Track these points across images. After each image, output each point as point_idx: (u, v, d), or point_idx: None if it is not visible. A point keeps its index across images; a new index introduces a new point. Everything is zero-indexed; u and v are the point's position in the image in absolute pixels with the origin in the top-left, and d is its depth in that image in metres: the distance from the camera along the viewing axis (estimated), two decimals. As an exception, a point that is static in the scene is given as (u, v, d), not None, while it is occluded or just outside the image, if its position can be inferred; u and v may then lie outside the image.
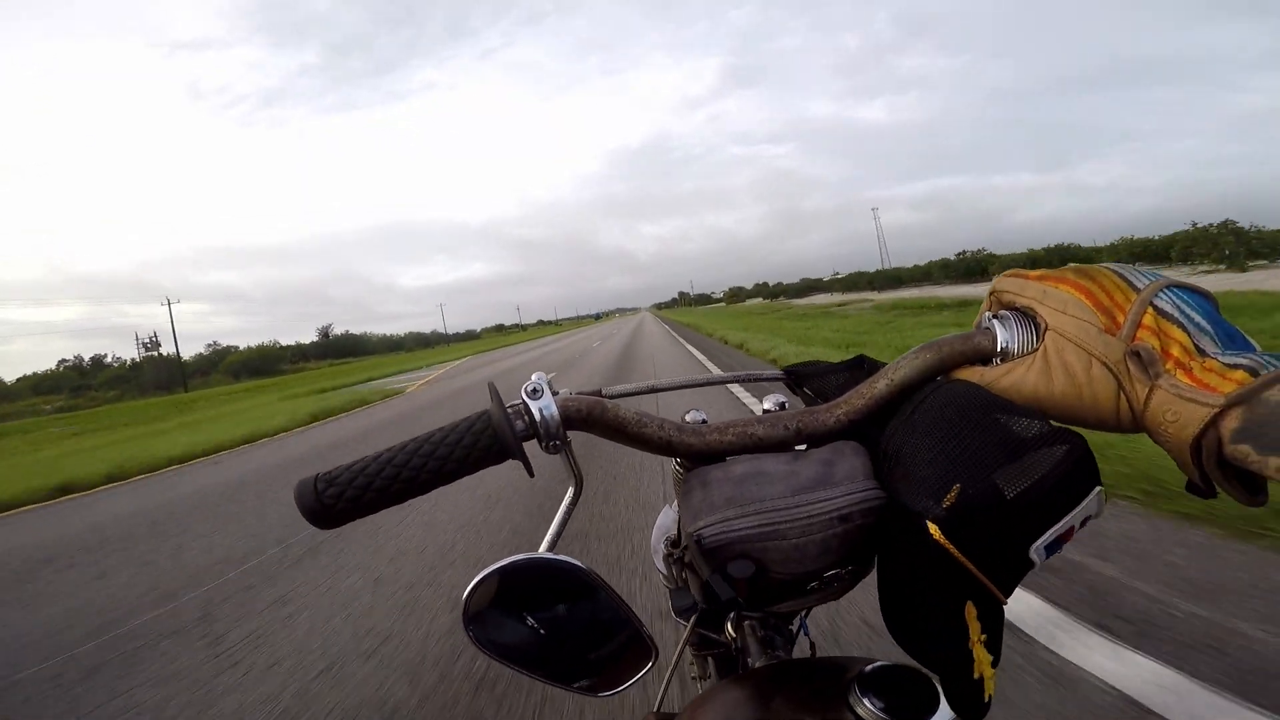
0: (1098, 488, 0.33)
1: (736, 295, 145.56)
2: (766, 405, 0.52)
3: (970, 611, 0.33)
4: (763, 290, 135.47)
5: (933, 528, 0.32)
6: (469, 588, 0.36)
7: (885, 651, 0.40)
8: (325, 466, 0.39)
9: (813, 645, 0.66)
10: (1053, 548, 0.33)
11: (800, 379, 0.54)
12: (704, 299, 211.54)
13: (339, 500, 0.36)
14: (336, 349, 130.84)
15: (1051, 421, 0.35)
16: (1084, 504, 0.33)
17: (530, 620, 0.38)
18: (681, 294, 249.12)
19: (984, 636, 0.33)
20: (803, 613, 0.65)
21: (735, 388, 5.32)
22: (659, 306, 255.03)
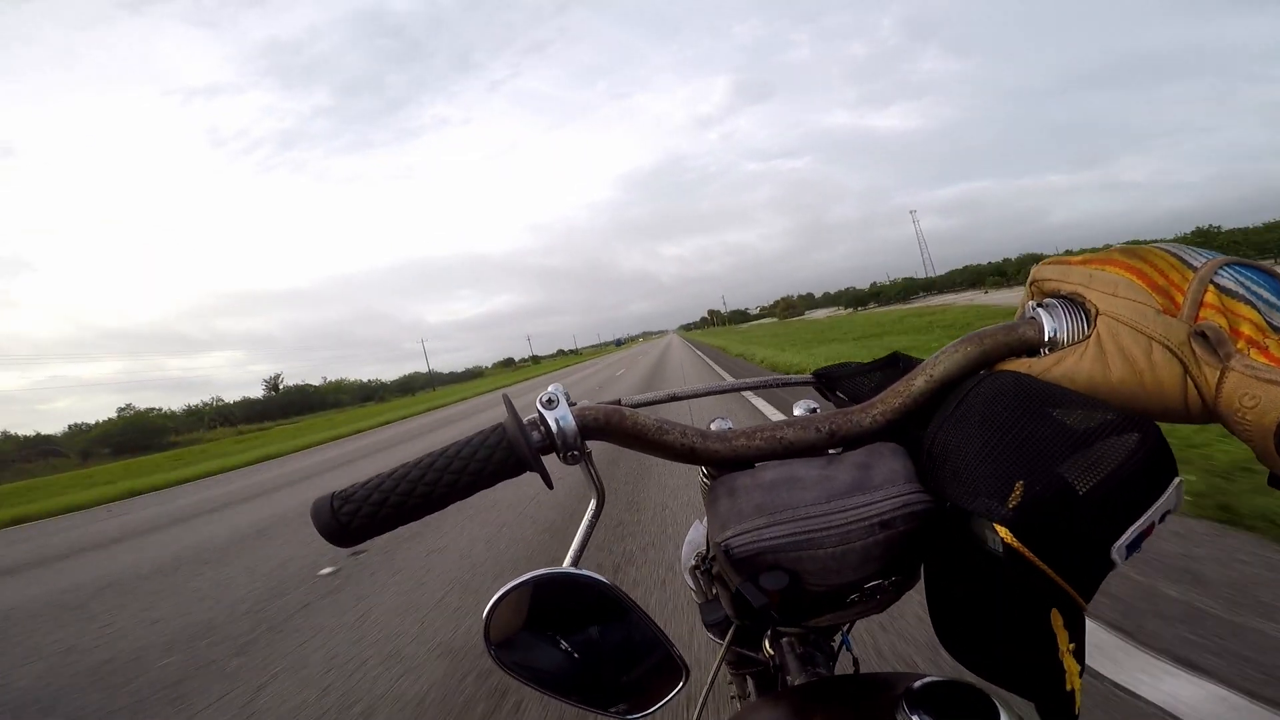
0: (1176, 479, 0.31)
1: (791, 308, 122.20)
2: (797, 412, 0.49)
3: (1056, 619, 0.30)
4: (841, 298, 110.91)
5: (1002, 531, 0.29)
6: (490, 603, 0.35)
7: (942, 668, 0.37)
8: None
9: (856, 661, 0.63)
10: (1134, 546, 0.31)
11: (831, 382, 0.51)
12: (740, 316, 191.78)
13: (355, 518, 0.36)
14: (281, 407, 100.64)
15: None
16: (1164, 497, 0.31)
17: (559, 640, 0.37)
18: (712, 312, 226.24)
19: (1072, 645, 0.31)
20: (844, 627, 0.62)
21: (760, 403, 5.24)
22: (686, 328, 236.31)
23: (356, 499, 0.36)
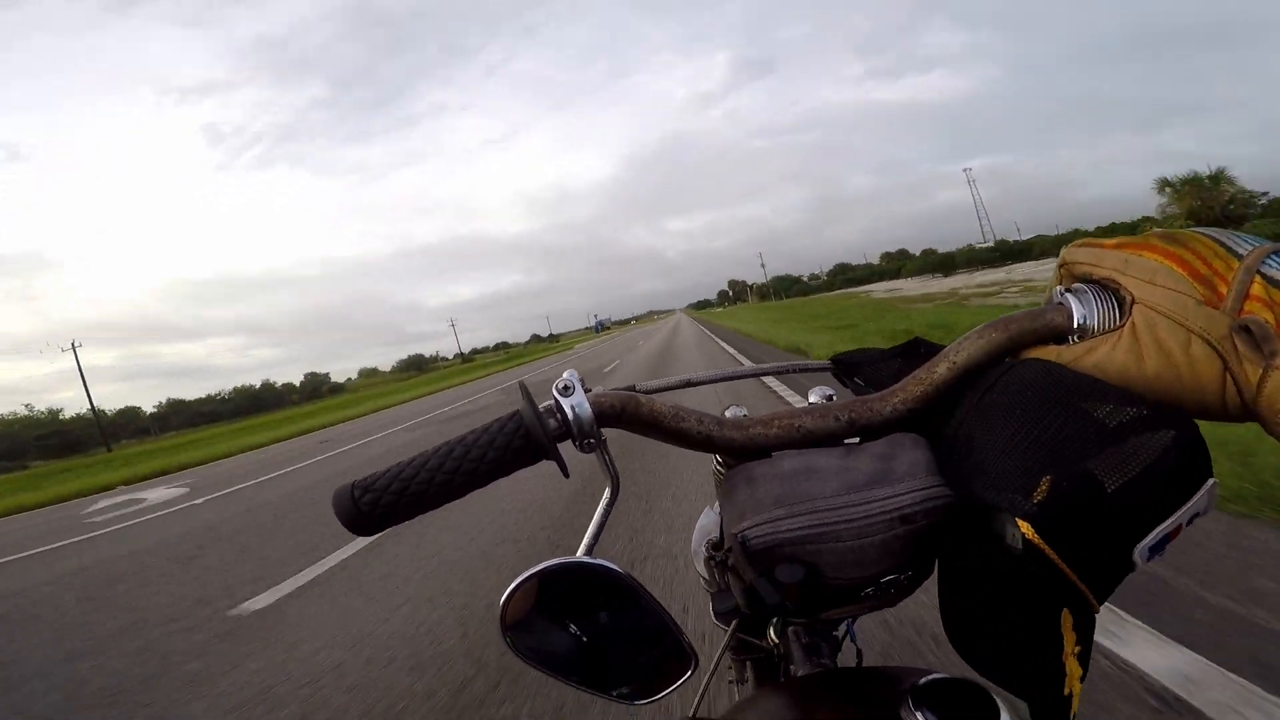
0: (1210, 480, 0.30)
1: (849, 277, 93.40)
2: (813, 399, 0.48)
3: (1065, 621, 0.30)
4: (917, 264, 78.42)
5: (1024, 526, 0.28)
6: (506, 593, 0.35)
7: (942, 662, 0.36)
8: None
9: (859, 653, 0.63)
10: (1157, 548, 0.30)
11: (849, 368, 0.50)
12: (789, 284, 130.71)
13: (376, 507, 0.36)
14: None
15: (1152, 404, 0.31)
16: (1195, 499, 0.29)
17: (571, 627, 0.37)
18: (737, 284, 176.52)
19: (1078, 648, 0.30)
20: (849, 618, 0.62)
21: (781, 389, 5.20)
22: (696, 306, 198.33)
23: (377, 488, 0.37)
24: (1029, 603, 0.30)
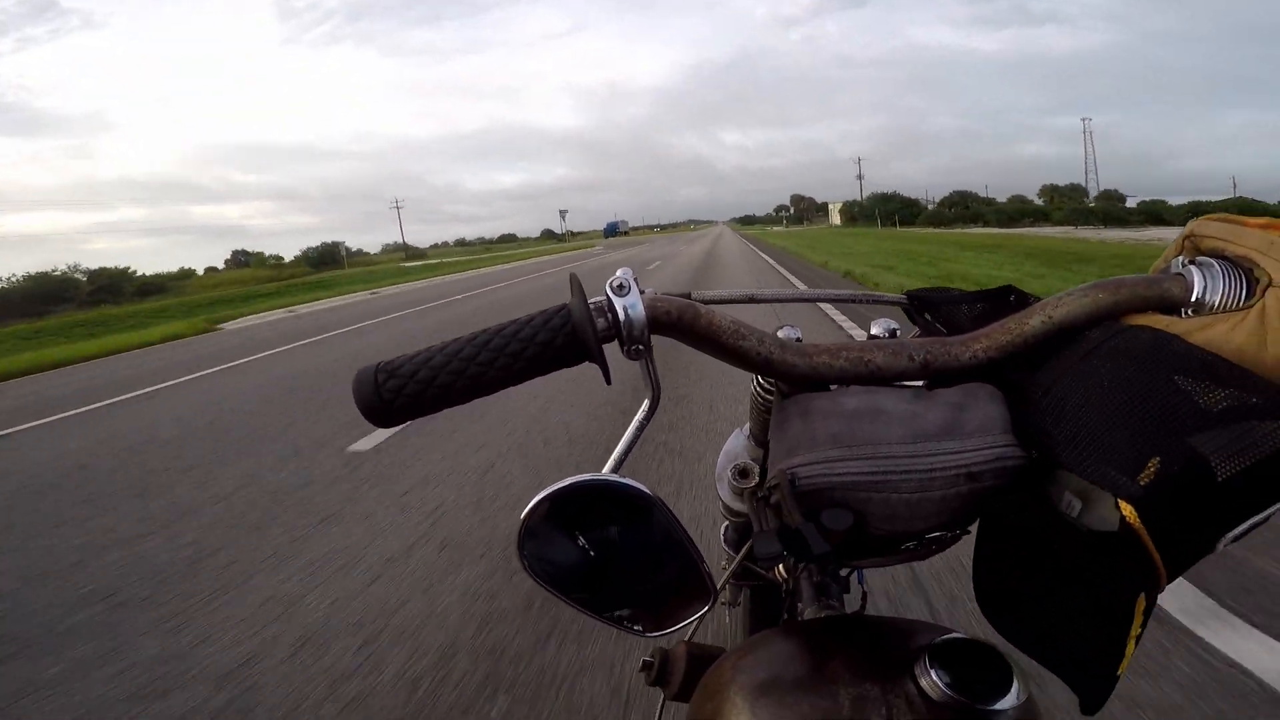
0: None
1: (970, 213, 67.16)
2: (875, 330, 0.45)
3: (1140, 603, 0.29)
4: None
5: (1125, 508, 0.27)
6: (526, 510, 0.33)
7: (934, 613, 0.35)
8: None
9: (865, 596, 0.63)
10: (1240, 536, 0.28)
11: (925, 305, 0.46)
12: (891, 210, 79.38)
13: (399, 395, 0.34)
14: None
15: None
16: None
17: (591, 551, 0.36)
18: (796, 202, 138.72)
19: (1139, 630, 0.29)
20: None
21: (839, 317, 5.03)
22: (742, 221, 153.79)
23: (403, 374, 0.34)
24: (1105, 583, 0.29)
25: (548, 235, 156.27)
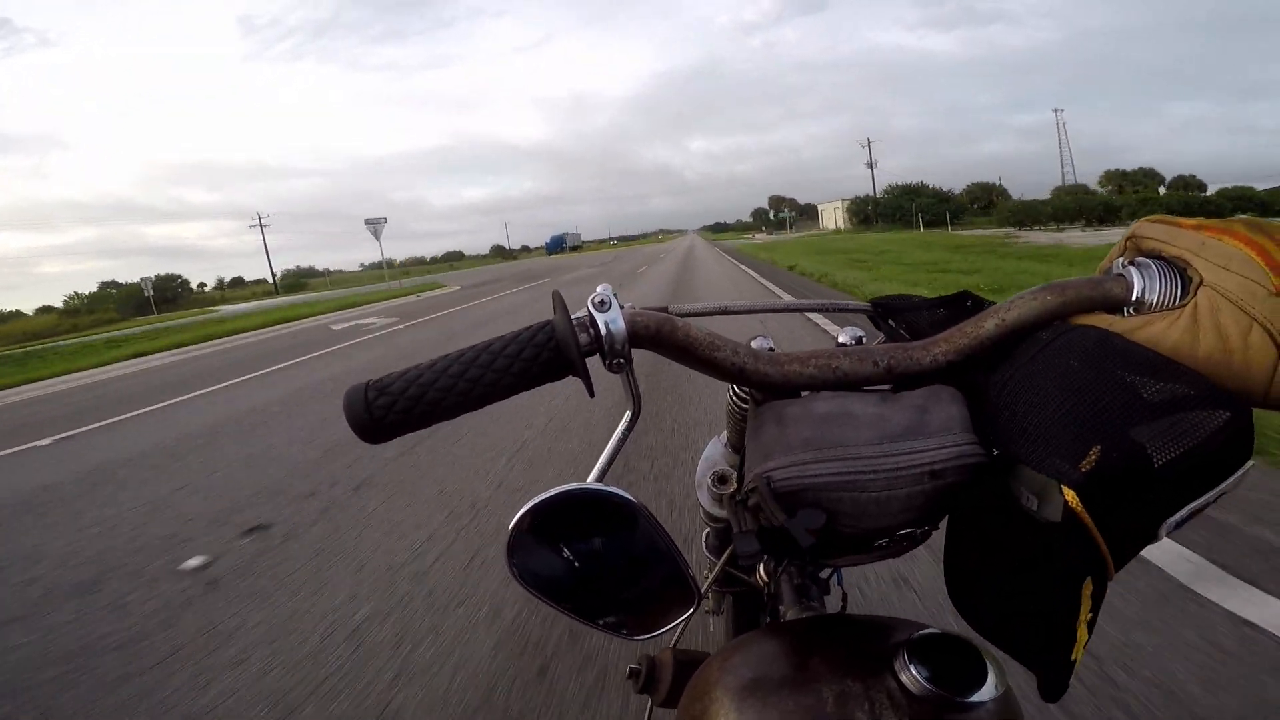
0: (1250, 462, 0.30)
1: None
2: (842, 339, 0.47)
3: (1086, 589, 0.30)
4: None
5: (1068, 494, 0.29)
6: (514, 521, 0.34)
7: (916, 611, 0.37)
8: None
9: (845, 596, 0.64)
10: (1182, 523, 0.30)
11: (888, 312, 0.48)
12: (923, 206, 51.16)
13: (389, 412, 0.35)
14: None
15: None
16: (1231, 479, 0.30)
17: (578, 558, 0.36)
18: (776, 204, 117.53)
19: (1090, 616, 0.31)
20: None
21: (820, 319, 5.07)
22: (714, 229, 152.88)
23: (393, 391, 0.35)
24: (1054, 570, 0.31)
25: (497, 251, 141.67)
